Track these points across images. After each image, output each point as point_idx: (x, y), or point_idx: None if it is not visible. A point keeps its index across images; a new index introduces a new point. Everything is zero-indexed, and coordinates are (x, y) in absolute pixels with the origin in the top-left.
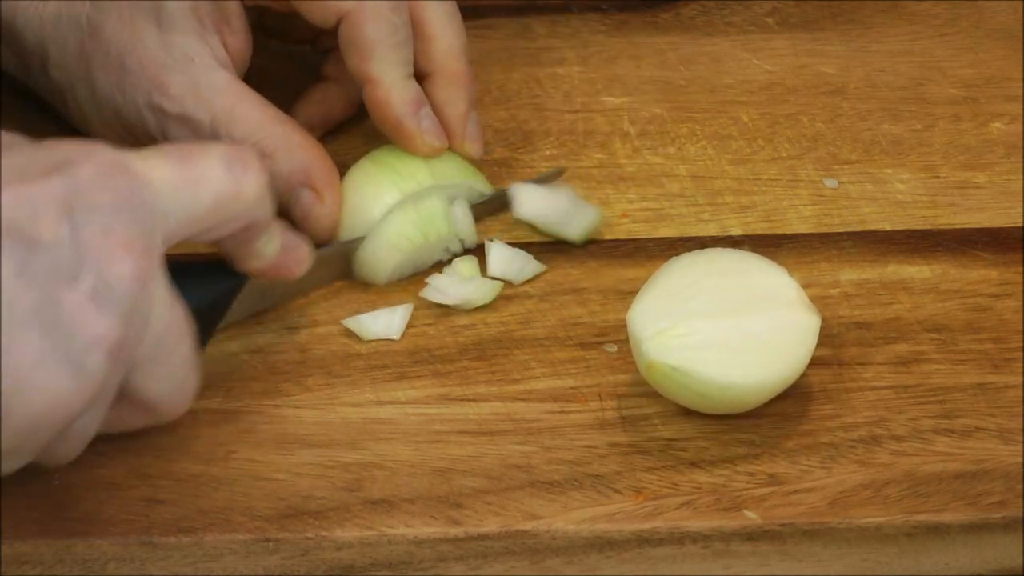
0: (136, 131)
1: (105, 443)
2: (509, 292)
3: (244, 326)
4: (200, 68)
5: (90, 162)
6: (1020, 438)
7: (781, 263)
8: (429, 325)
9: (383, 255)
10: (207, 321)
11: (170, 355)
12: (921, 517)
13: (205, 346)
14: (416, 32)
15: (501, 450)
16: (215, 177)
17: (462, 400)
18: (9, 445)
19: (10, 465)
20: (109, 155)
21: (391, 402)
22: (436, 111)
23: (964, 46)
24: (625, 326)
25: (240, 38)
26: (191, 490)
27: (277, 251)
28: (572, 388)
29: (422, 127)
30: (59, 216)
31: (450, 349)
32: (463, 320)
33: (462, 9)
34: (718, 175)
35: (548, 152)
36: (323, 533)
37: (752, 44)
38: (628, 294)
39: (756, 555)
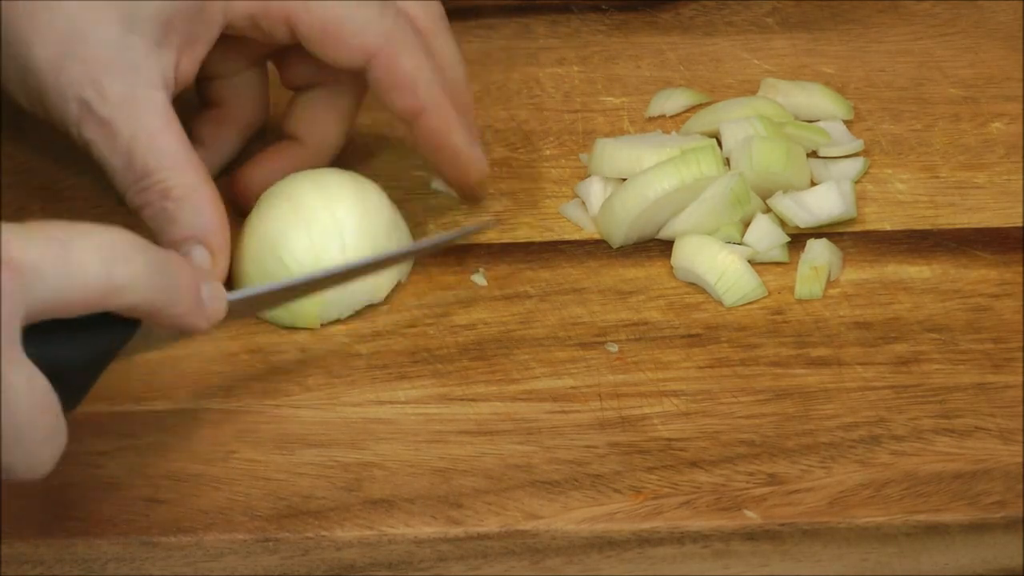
0: (51, 111)
1: (105, 443)
2: (509, 292)
3: (244, 326)
4: (142, 81)
5: None
6: (1020, 438)
7: None
8: (429, 325)
9: (626, 205)
10: (87, 375)
11: (27, 432)
12: (921, 517)
13: (79, 403)
14: None
15: (501, 450)
16: (89, 269)
17: (462, 400)
18: None
19: None
20: None
21: (391, 402)
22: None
23: (964, 46)
24: (625, 326)
25: (193, 64)
26: (191, 490)
27: (189, 310)
28: (572, 388)
29: (477, 155)
30: None
31: (450, 349)
32: (463, 320)
33: (462, 9)
34: None
35: (548, 152)
36: (323, 533)
37: (752, 44)
38: (628, 294)
39: (756, 555)
